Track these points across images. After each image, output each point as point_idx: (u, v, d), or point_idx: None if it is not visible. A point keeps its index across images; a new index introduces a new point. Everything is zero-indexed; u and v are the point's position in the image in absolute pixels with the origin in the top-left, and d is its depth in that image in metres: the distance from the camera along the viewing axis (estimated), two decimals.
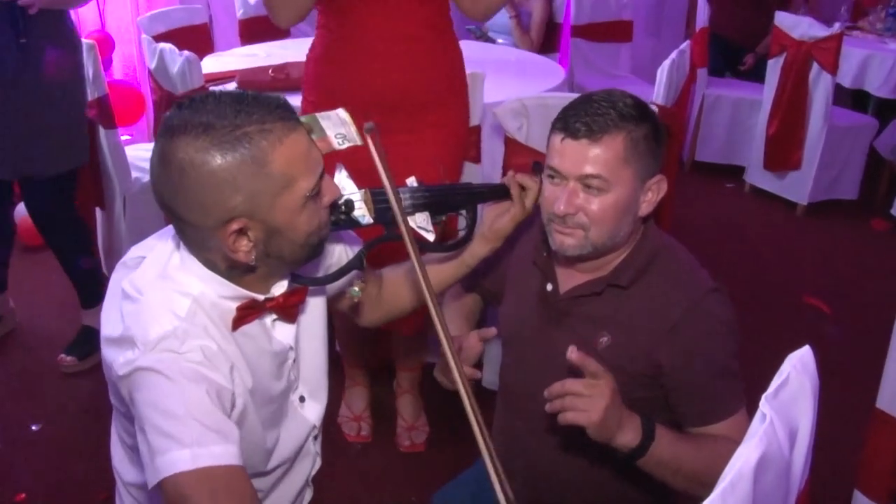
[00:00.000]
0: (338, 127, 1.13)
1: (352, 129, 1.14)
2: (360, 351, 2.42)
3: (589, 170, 1.27)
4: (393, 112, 1.89)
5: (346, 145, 1.14)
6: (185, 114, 1.03)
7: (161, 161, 1.05)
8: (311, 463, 1.40)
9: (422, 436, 2.38)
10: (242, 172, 1.03)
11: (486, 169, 2.31)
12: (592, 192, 1.28)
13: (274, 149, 1.04)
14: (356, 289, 1.25)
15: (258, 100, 1.06)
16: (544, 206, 1.34)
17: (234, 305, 1.13)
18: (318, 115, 1.12)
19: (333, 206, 1.20)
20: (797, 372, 0.82)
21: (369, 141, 1.16)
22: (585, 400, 1.17)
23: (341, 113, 1.14)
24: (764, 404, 0.78)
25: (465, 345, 1.35)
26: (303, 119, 1.10)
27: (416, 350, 2.37)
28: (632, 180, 1.29)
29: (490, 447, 1.01)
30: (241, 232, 1.07)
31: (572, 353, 1.18)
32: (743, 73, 4.88)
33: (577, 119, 1.27)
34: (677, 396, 1.34)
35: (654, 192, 1.34)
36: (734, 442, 1.17)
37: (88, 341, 2.69)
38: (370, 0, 1.84)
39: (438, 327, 1.07)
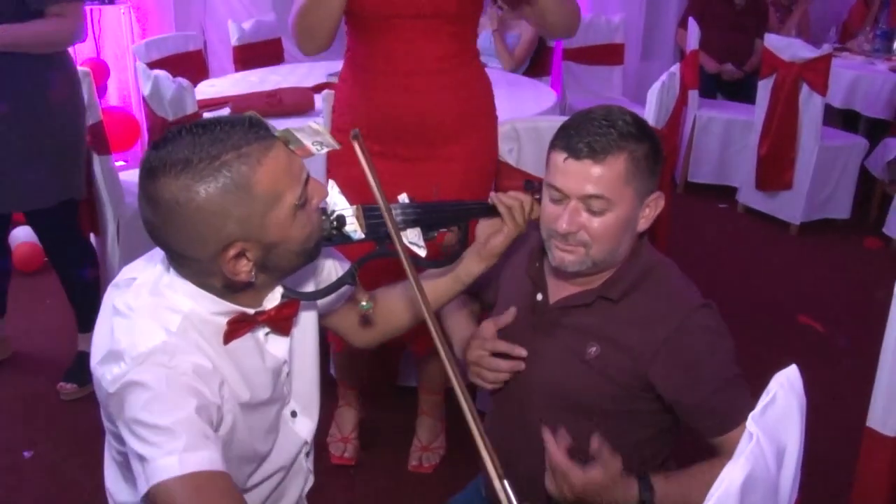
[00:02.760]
0: (313, 136, 1.14)
1: (326, 136, 1.15)
2: (358, 372, 2.40)
3: (591, 190, 1.28)
4: (415, 140, 1.92)
5: (325, 150, 1.15)
6: (163, 153, 1.04)
7: (148, 203, 1.06)
8: (303, 480, 1.40)
9: (433, 459, 2.37)
10: (229, 200, 1.04)
11: None
12: (594, 211, 1.30)
13: (255, 171, 1.05)
14: (364, 303, 1.25)
15: (231, 124, 1.07)
16: (545, 222, 1.35)
17: (224, 321, 1.15)
18: (291, 128, 1.13)
19: (324, 210, 1.22)
20: (784, 390, 0.82)
21: (356, 147, 1.18)
22: (557, 480, 1.27)
23: (313, 124, 1.15)
24: (750, 423, 0.78)
25: (479, 332, 1.42)
26: (277, 133, 1.11)
27: (436, 373, 2.33)
28: (632, 198, 1.31)
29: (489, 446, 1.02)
30: (240, 255, 1.08)
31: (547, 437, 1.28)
32: (731, 89, 4.93)
33: (579, 139, 1.28)
34: (689, 414, 1.35)
35: (651, 209, 1.36)
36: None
37: (87, 367, 2.65)
38: (396, 27, 1.86)
39: (436, 339, 1.07)
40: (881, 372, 1.31)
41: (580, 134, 1.28)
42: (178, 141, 1.04)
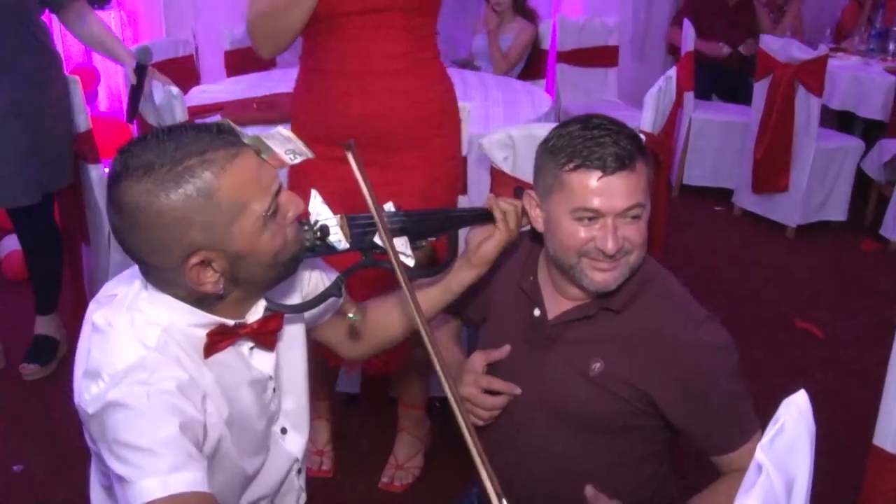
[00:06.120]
0: (285, 143, 1.11)
1: (299, 144, 1.12)
2: (324, 383, 2.33)
3: (632, 201, 1.25)
4: (373, 145, 1.83)
5: (299, 159, 1.12)
6: (126, 158, 1.03)
7: (113, 208, 1.04)
8: (295, 498, 1.37)
9: (407, 478, 2.27)
10: (191, 207, 1.02)
11: (472, 200, 2.30)
12: (630, 220, 1.27)
13: (218, 178, 1.03)
14: (352, 315, 1.23)
15: (198, 130, 1.05)
16: (573, 245, 1.29)
17: (204, 333, 1.12)
18: (261, 135, 1.10)
19: (303, 222, 1.19)
20: (793, 419, 0.79)
21: (350, 158, 1.15)
22: None
23: (282, 130, 1.12)
24: (759, 454, 0.75)
25: (469, 366, 1.39)
26: (247, 140, 1.08)
27: (416, 386, 2.26)
28: (650, 194, 1.30)
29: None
30: (204, 264, 1.06)
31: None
32: (728, 89, 4.90)
33: (601, 152, 1.24)
34: (692, 433, 1.33)
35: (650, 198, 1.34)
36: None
37: (46, 348, 2.79)
38: (348, 25, 1.79)
39: (431, 351, 1.05)
40: (888, 389, 1.28)
41: (596, 148, 1.24)
42: (143, 145, 1.03)
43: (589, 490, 1.25)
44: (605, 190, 1.24)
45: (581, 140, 1.26)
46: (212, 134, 1.05)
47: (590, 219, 1.26)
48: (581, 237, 1.28)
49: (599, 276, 1.29)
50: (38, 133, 2.46)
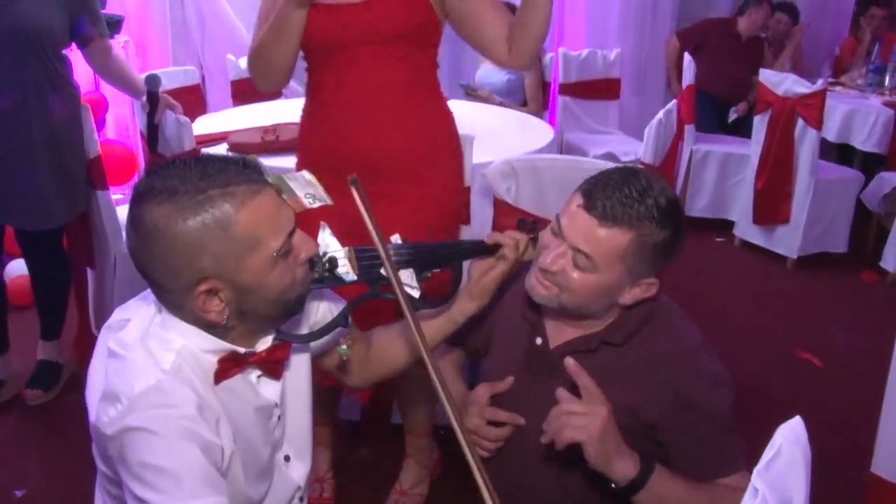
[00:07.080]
0: (306, 187, 1.14)
1: (319, 190, 1.16)
2: (325, 410, 2.32)
3: (583, 246, 1.27)
4: (376, 174, 1.83)
5: (318, 204, 1.15)
6: (152, 179, 1.06)
7: (132, 227, 1.08)
8: None
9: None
10: (207, 235, 1.05)
11: (475, 230, 2.31)
12: (578, 265, 1.29)
13: (237, 211, 1.06)
14: (344, 347, 1.26)
15: (225, 162, 1.09)
16: (539, 247, 1.36)
17: (215, 359, 1.14)
18: (285, 175, 1.14)
19: (314, 263, 1.21)
20: (789, 444, 0.81)
21: (354, 193, 1.17)
22: (582, 417, 1.21)
23: (306, 174, 1.16)
24: (755, 478, 0.77)
25: (474, 398, 1.40)
26: (270, 180, 1.12)
27: (421, 413, 2.25)
28: (621, 274, 1.29)
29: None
30: (211, 293, 1.08)
31: (569, 362, 1.24)
32: (733, 123, 4.94)
33: (602, 194, 1.27)
34: (676, 455, 1.33)
35: (642, 290, 1.33)
36: (735, 490, 1.18)
37: (49, 373, 2.80)
38: (346, 57, 1.82)
39: (435, 381, 1.06)
40: (885, 417, 1.29)
41: (605, 192, 1.27)
42: (170, 170, 1.07)
43: (570, 361, 1.25)
44: (574, 217, 1.29)
45: (605, 177, 1.30)
46: (237, 168, 1.08)
47: (558, 234, 1.32)
48: (545, 244, 1.34)
49: (533, 282, 1.36)
50: (63, 163, 2.54)
